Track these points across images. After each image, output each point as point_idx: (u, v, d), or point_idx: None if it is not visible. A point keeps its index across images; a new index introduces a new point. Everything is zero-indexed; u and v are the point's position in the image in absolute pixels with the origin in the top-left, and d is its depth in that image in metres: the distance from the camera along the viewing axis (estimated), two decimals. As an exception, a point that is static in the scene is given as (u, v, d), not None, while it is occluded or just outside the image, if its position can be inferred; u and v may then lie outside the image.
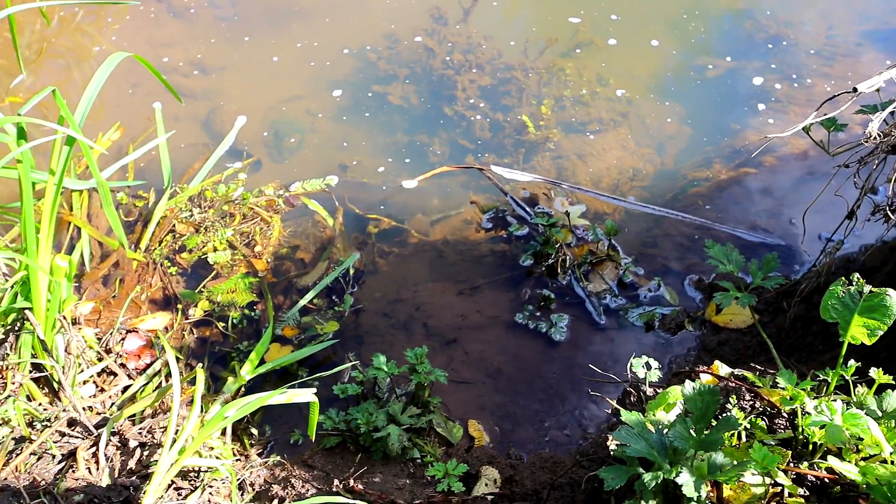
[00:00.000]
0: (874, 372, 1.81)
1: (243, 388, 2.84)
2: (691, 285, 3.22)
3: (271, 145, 4.01)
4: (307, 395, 2.18)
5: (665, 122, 4.15)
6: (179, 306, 3.16)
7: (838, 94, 1.90)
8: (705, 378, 1.98)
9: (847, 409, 1.68)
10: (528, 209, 3.48)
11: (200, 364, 2.92)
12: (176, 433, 2.34)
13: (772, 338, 2.92)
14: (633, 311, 3.10)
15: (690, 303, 3.18)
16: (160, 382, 2.85)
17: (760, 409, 1.88)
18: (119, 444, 2.46)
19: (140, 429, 2.55)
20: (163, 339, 2.82)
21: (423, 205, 3.74)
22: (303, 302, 3.11)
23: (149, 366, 2.91)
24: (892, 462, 1.64)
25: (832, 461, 1.61)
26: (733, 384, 1.92)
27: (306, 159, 3.95)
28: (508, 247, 3.43)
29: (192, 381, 2.91)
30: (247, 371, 2.79)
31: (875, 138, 1.79)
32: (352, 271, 3.30)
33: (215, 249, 3.25)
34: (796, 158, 3.81)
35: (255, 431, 2.78)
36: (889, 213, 2.12)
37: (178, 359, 2.96)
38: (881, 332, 1.72)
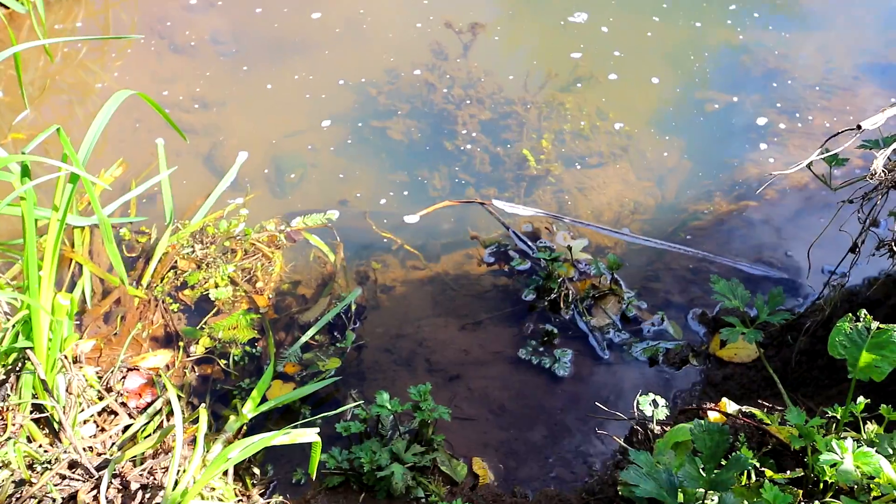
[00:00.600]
0: (883, 409, 1.79)
1: (245, 427, 2.82)
2: (695, 319, 3.21)
3: (273, 180, 4.02)
4: (310, 436, 2.16)
5: (665, 156, 4.17)
6: (181, 343, 3.14)
7: (842, 132, 1.91)
8: (713, 416, 1.96)
9: (858, 447, 1.66)
10: (530, 243, 3.48)
11: (203, 403, 2.89)
12: (178, 474, 2.31)
13: (777, 372, 2.90)
14: (637, 345, 3.08)
15: (694, 337, 3.17)
16: (161, 421, 2.83)
17: (769, 447, 1.86)
18: (120, 487, 2.43)
19: (142, 470, 2.52)
20: (164, 377, 2.80)
21: (425, 239, 3.74)
22: (304, 338, 3.10)
23: (150, 404, 2.89)
24: (905, 502, 1.62)
25: (845, 501, 1.59)
26: (741, 421, 1.90)
27: (308, 194, 3.95)
28: (511, 281, 3.43)
29: (195, 420, 2.88)
30: (249, 409, 2.76)
31: (879, 175, 1.79)
32: (353, 307, 3.28)
33: (217, 286, 3.25)
34: (796, 191, 3.82)
35: (257, 471, 2.74)
36: (894, 248, 2.12)
37: (179, 397, 2.94)
38: (890, 369, 1.71)
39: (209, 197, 3.63)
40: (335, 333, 3.21)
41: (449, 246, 3.71)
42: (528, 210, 3.63)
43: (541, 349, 3.11)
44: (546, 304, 3.25)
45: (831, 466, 1.67)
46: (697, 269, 3.48)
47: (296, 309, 3.30)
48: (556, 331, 3.15)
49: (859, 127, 1.81)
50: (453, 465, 2.73)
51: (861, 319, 1.77)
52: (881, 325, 1.74)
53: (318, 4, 5.19)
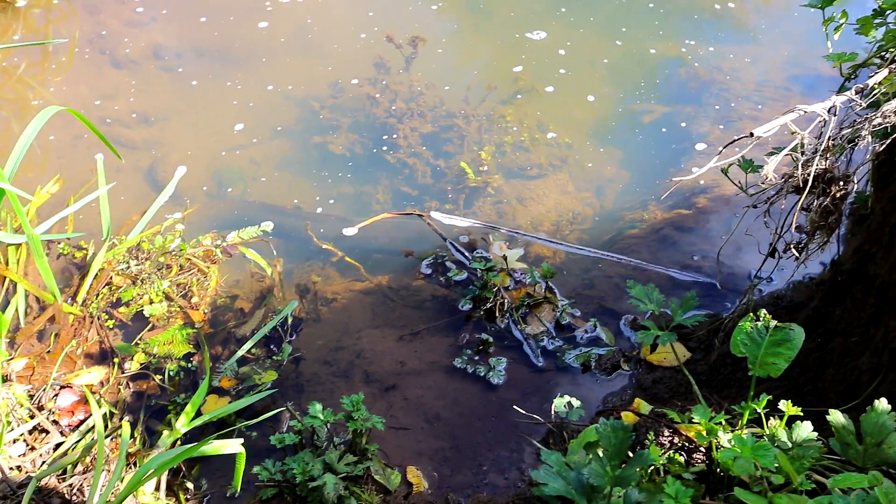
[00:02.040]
0: (783, 404, 1.86)
1: (179, 442, 2.81)
2: (627, 325, 3.27)
3: (214, 195, 4.02)
4: (234, 447, 2.16)
5: (604, 167, 4.25)
6: (115, 360, 3.12)
7: (737, 139, 1.99)
8: (628, 416, 2.01)
9: (756, 441, 1.72)
10: (467, 254, 3.53)
11: (128, 419, 2.87)
12: (102, 489, 2.29)
13: (703, 374, 2.97)
14: (570, 352, 3.14)
15: (626, 343, 3.23)
16: (93, 438, 2.80)
17: (679, 444, 1.92)
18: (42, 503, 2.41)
19: (69, 486, 2.50)
20: (87, 394, 2.78)
21: (366, 251, 3.77)
22: (240, 352, 3.10)
23: (83, 422, 2.86)
24: (802, 492, 1.68)
25: (739, 492, 1.64)
26: (653, 421, 1.96)
27: (249, 208, 3.96)
28: (448, 292, 3.46)
29: (129, 436, 2.87)
30: (182, 424, 2.76)
31: (771, 180, 1.87)
32: (290, 320, 3.29)
33: (151, 301, 3.23)
34: (727, 198, 3.92)
35: (190, 486, 2.73)
36: (797, 251, 2.20)
37: (112, 413, 2.92)
38: (786, 366, 1.78)
39: (146, 212, 3.61)
40: (272, 347, 3.21)
41: (389, 257, 3.74)
42: (466, 221, 3.68)
43: (476, 358, 3.15)
44: (482, 313, 3.29)
45: (733, 460, 1.72)
46: (630, 277, 3.55)
47: (233, 323, 3.30)
48: (491, 339, 3.19)
49: (752, 134, 1.88)
50: (387, 474, 2.75)
51: (760, 319, 1.83)
52: (778, 324, 1.80)
53: (265, 13, 5.22)
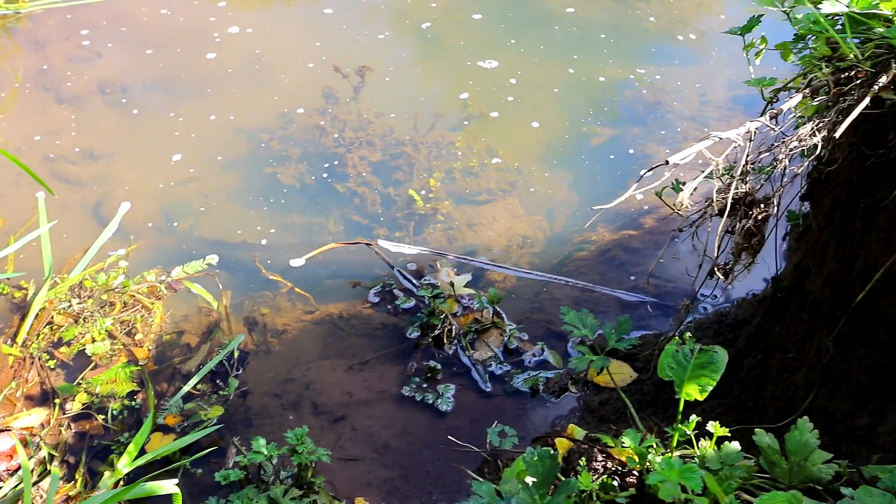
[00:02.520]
0: (711, 425, 1.88)
1: (122, 482, 2.75)
2: (575, 348, 3.29)
3: (162, 229, 3.99)
4: (168, 487, 2.13)
5: (554, 190, 4.29)
6: (57, 401, 3.06)
7: (654, 167, 2.03)
8: (562, 442, 2.02)
9: (684, 463, 1.73)
10: (414, 281, 3.53)
11: (66, 462, 2.82)
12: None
13: (650, 394, 3.00)
14: (518, 376, 3.14)
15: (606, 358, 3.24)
16: (32, 482, 2.74)
17: (612, 469, 1.93)
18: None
19: (4, 534, 2.44)
20: (14, 439, 2.73)
21: (315, 282, 3.75)
22: (186, 388, 3.06)
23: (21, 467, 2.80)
24: (730, 514, 1.70)
25: (666, 518, 1.65)
26: (587, 446, 1.97)
27: (196, 242, 3.93)
28: (397, 320, 3.46)
29: (70, 479, 2.81)
30: (124, 464, 2.71)
31: (686, 207, 1.91)
32: (237, 353, 3.26)
33: (94, 340, 3.19)
34: (674, 218, 3.97)
35: (133, 527, 2.68)
36: (723, 272, 2.24)
37: (53, 456, 2.86)
38: (711, 388, 1.80)
39: (89, 250, 3.57)
40: (218, 381, 3.18)
41: (340, 287, 3.73)
42: (413, 249, 3.69)
43: (424, 385, 3.14)
44: (430, 340, 3.29)
45: (660, 484, 1.73)
46: (580, 299, 3.58)
47: (178, 359, 3.26)
48: (439, 366, 3.19)
49: (667, 163, 1.92)
50: (334, 508, 2.72)
51: (686, 342, 1.86)
52: (703, 347, 1.83)
53: (213, 45, 5.23)
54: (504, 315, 3.43)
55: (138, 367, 3.15)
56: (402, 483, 2.87)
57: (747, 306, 3.30)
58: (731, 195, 1.96)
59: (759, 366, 2.88)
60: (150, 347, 3.26)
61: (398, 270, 3.59)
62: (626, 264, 3.75)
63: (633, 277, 3.59)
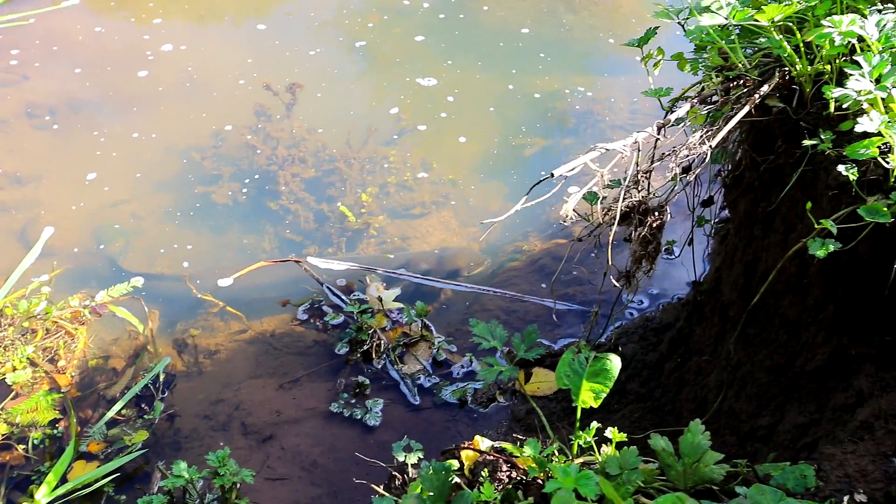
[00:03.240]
0: (610, 431, 1.91)
1: (42, 513, 2.71)
2: (503, 357, 3.32)
3: (92, 253, 3.95)
4: (76, 516, 2.10)
5: (488, 201, 4.33)
6: (-24, 432, 3.00)
7: (541, 180, 2.07)
8: (467, 454, 2.04)
9: (583, 470, 1.76)
10: (343, 297, 3.53)
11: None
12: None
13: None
14: (447, 388, 3.16)
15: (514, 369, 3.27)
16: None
17: (517, 479, 1.95)
18: None
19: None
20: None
21: (248, 300, 3.74)
22: (109, 414, 3.02)
23: (-62, 500, 2.74)
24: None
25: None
26: (492, 457, 1.99)
27: (128, 264, 3.89)
28: (327, 336, 3.46)
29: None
30: (43, 494, 2.67)
31: (570, 217, 1.95)
32: (163, 376, 3.23)
33: (14, 369, 3.14)
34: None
35: (54, 558, 2.64)
36: (628, 278, 2.29)
37: (-29, 489, 2.81)
38: (605, 395, 1.84)
39: (10, 277, 3.51)
40: (143, 406, 3.14)
41: (272, 305, 3.72)
42: (343, 265, 3.70)
43: (353, 401, 3.14)
44: (359, 355, 3.30)
45: (555, 492, 1.76)
46: (510, 309, 3.61)
47: (103, 384, 3.22)
48: (368, 382, 3.20)
49: (552, 175, 1.96)
50: (260, 529, 2.71)
51: (581, 351, 1.89)
52: (597, 355, 1.87)
53: (146, 63, 5.19)
54: (433, 328, 3.45)
55: (61, 395, 3.11)
56: (329, 500, 2.87)
57: (671, 310, 3.36)
58: (620, 205, 2.01)
59: (678, 369, 2.94)
60: (74, 374, 3.22)
61: (327, 287, 3.59)
62: (556, 273, 3.79)
63: (562, 285, 3.63)
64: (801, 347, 2.18)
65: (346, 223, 4.09)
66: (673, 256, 3.62)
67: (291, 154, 4.45)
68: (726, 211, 3.10)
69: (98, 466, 2.87)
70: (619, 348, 3.16)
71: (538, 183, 2.11)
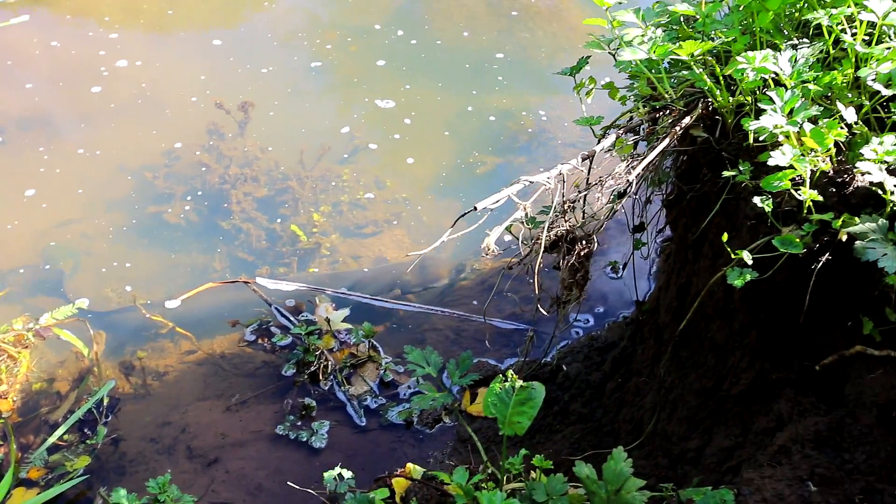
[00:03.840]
0: (536, 458, 1.94)
1: (-20, 542, 2.68)
2: (449, 378, 3.34)
3: (42, 273, 3.91)
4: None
5: (441, 219, 4.36)
6: (-86, 460, 2.96)
7: (466, 213, 2.11)
8: (399, 481, 2.06)
9: (508, 497, 1.79)
10: (291, 318, 3.54)
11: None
12: None
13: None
14: (393, 409, 3.18)
15: (449, 395, 3.29)
16: None
17: (447, 506, 1.98)
18: None
19: None
20: None
21: (198, 321, 3.72)
22: (51, 440, 3.00)
23: None
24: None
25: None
26: (423, 485, 2.01)
27: (76, 285, 3.86)
28: (275, 357, 3.46)
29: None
30: (-20, 523, 2.64)
31: (492, 251, 1.98)
32: (107, 400, 3.21)
33: (-47, 394, 3.10)
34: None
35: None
36: (559, 305, 2.33)
37: None
38: (529, 423, 1.87)
39: (-49, 300, 3.48)
40: (86, 430, 3.12)
41: (222, 325, 3.71)
42: (291, 285, 3.71)
43: (299, 423, 3.15)
44: (306, 377, 3.31)
45: (483, 520, 1.79)
46: (459, 329, 3.64)
47: (46, 409, 3.19)
48: (314, 403, 3.20)
49: (475, 209, 2.00)
50: (202, 555, 2.70)
51: (508, 379, 1.93)
52: (523, 384, 1.90)
53: (99, 78, 5.16)
54: (381, 348, 3.47)
55: (1, 420, 3.07)
56: (273, 524, 2.87)
57: (616, 329, 3.41)
58: (545, 235, 2.05)
59: (618, 389, 2.98)
60: (16, 398, 3.19)
61: (275, 308, 3.60)
62: (504, 292, 3.83)
63: (510, 304, 3.67)
64: (728, 371, 2.23)
65: (298, 242, 4.10)
66: (616, 276, 3.68)
67: (244, 173, 4.45)
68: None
69: (38, 493, 2.84)
70: (564, 367, 3.21)
71: (463, 215, 2.15)
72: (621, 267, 3.65)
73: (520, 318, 3.61)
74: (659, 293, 3.00)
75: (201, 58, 5.49)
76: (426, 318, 3.73)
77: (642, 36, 2.10)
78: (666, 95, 2.22)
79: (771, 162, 1.83)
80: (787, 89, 1.91)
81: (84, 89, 5.08)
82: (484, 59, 5.49)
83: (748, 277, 1.86)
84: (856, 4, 1.97)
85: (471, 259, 4.11)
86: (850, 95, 2.01)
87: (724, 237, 1.86)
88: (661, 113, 2.24)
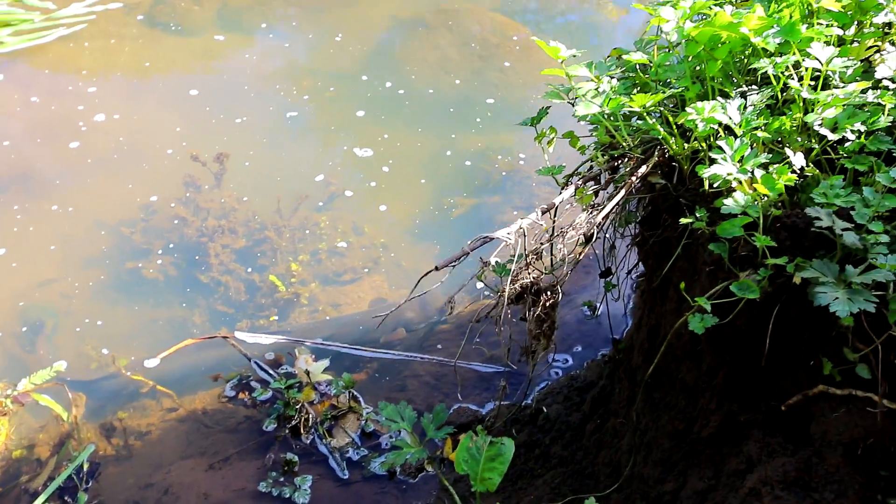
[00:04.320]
0: (510, 513, 1.95)
1: None
2: (394, 442, 3.35)
3: (20, 336, 3.90)
4: None
5: (420, 263, 4.39)
6: None
7: (426, 274, 2.15)
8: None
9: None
10: (271, 372, 3.54)
11: None
12: None
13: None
14: (376, 460, 3.18)
15: (431, 443, 3.30)
16: None
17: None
18: None
19: None
20: None
21: (178, 378, 3.72)
22: (31, 509, 2.98)
23: None
24: None
25: None
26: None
27: (58, 345, 3.86)
28: (256, 412, 3.46)
29: None
30: None
31: (453, 304, 2.01)
32: (87, 465, 3.19)
33: (-69, 467, 3.08)
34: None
35: None
36: (528, 355, 2.35)
37: None
38: (500, 479, 1.88)
39: (-72, 370, 3.46)
40: (66, 498, 3.10)
41: (203, 381, 3.71)
42: (270, 338, 3.72)
43: (281, 479, 3.14)
44: (288, 431, 3.30)
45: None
46: (440, 374, 3.65)
47: (26, 477, 3.17)
48: (296, 458, 3.20)
49: (437, 268, 2.03)
50: None
51: (479, 435, 1.94)
52: (493, 440, 1.92)
53: (77, 133, 5.19)
54: (361, 399, 3.47)
55: (-19, 491, 3.06)
56: (258, 584, 2.85)
57: (595, 368, 3.43)
58: (508, 288, 2.08)
59: (597, 430, 3.00)
60: (-6, 468, 3.17)
61: (255, 362, 3.60)
62: (485, 334, 3.84)
63: (491, 347, 3.69)
64: (698, 413, 2.25)
65: (277, 293, 4.11)
66: (593, 314, 3.71)
67: (221, 225, 4.48)
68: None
69: (19, 565, 2.82)
70: (545, 409, 3.22)
71: (425, 275, 2.19)
72: (598, 304, 3.68)
73: (500, 361, 3.63)
74: (633, 332, 3.03)
75: (178, 108, 5.53)
76: (406, 365, 3.74)
77: (595, 89, 2.15)
78: (624, 144, 2.27)
79: (724, 210, 1.87)
80: (736, 137, 1.96)
81: (62, 145, 5.11)
82: (462, 102, 5.56)
83: (709, 323, 1.89)
84: (800, 52, 2.03)
85: (449, 303, 4.13)
86: (799, 140, 2.06)
87: (682, 286, 1.89)
88: (620, 161, 2.28)
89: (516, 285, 2.11)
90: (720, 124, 2.00)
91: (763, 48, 2.08)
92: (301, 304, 4.08)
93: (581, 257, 2.14)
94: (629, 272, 3.03)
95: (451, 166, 5.00)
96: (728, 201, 1.88)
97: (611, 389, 3.16)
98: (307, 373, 3.39)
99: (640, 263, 3.04)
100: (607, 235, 2.77)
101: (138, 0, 6.84)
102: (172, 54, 6.22)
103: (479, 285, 4.16)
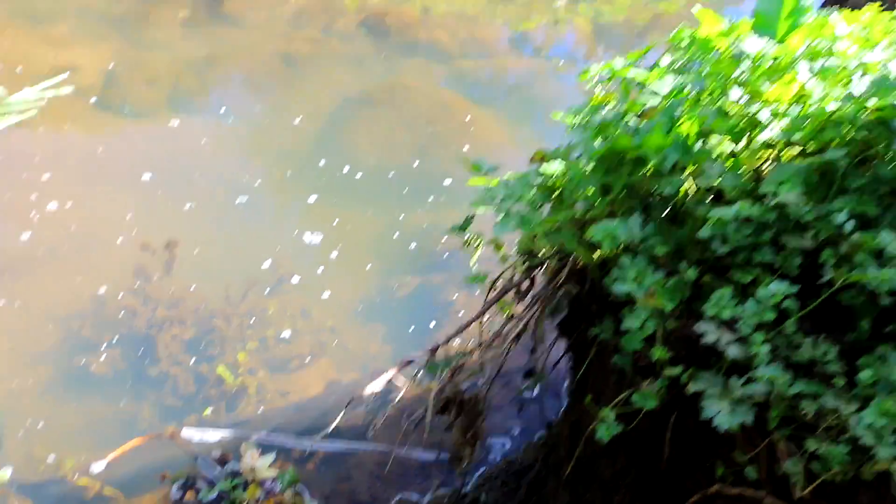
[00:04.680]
0: None
1: None
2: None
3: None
4: None
5: (368, 345, 4.50)
6: None
7: (350, 401, 2.27)
8: None
9: None
10: (217, 470, 3.58)
11: None
12: None
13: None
14: (320, 557, 3.22)
15: (376, 533, 3.36)
16: None
17: None
18: None
19: None
20: None
21: (125, 478, 3.74)
22: None
23: None
24: None
25: None
26: None
27: (6, 449, 3.86)
28: (202, 512, 3.49)
29: None
30: None
31: (377, 419, 2.13)
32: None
33: None
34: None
35: None
36: (455, 462, 2.46)
37: None
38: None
39: None
40: None
41: (153, 480, 3.72)
42: (216, 434, 3.76)
43: (226, 581, 3.16)
44: (233, 531, 3.34)
45: None
46: (384, 463, 3.72)
47: (-33, 589, 3.15)
48: (241, 560, 3.23)
49: (363, 395, 2.15)
50: None
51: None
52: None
53: (28, 224, 5.21)
54: (307, 492, 3.52)
55: None
56: None
57: (531, 451, 3.53)
58: (431, 401, 2.20)
59: (534, 518, 3.09)
60: (-64, 582, 3.15)
61: (201, 460, 3.64)
62: (430, 420, 3.94)
63: (437, 431, 3.78)
64: (616, 509, 2.37)
65: (225, 385, 4.17)
66: (530, 396, 3.83)
67: (171, 315, 4.54)
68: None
69: None
70: (483, 496, 3.31)
71: (350, 403, 2.29)
72: (531, 393, 3.80)
73: (443, 446, 3.71)
74: (560, 422, 3.16)
75: (130, 194, 5.60)
76: (352, 454, 3.80)
77: (514, 202, 2.31)
78: (540, 254, 2.42)
79: (624, 325, 2.02)
80: (636, 255, 2.13)
81: (13, 237, 5.13)
82: (414, 181, 5.75)
83: (614, 431, 2.03)
84: (694, 167, 2.22)
85: (395, 389, 4.22)
86: (696, 251, 2.23)
87: (588, 399, 2.03)
88: (539, 269, 2.44)
89: (441, 397, 2.23)
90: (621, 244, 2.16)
91: (658, 168, 2.27)
92: (249, 394, 4.14)
93: (503, 364, 2.27)
94: (556, 364, 3.16)
95: (399, 248, 5.15)
96: (629, 316, 2.03)
97: (546, 474, 3.26)
98: (252, 470, 3.44)
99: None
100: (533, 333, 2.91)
101: (90, 83, 6.98)
102: (125, 138, 6.34)
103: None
